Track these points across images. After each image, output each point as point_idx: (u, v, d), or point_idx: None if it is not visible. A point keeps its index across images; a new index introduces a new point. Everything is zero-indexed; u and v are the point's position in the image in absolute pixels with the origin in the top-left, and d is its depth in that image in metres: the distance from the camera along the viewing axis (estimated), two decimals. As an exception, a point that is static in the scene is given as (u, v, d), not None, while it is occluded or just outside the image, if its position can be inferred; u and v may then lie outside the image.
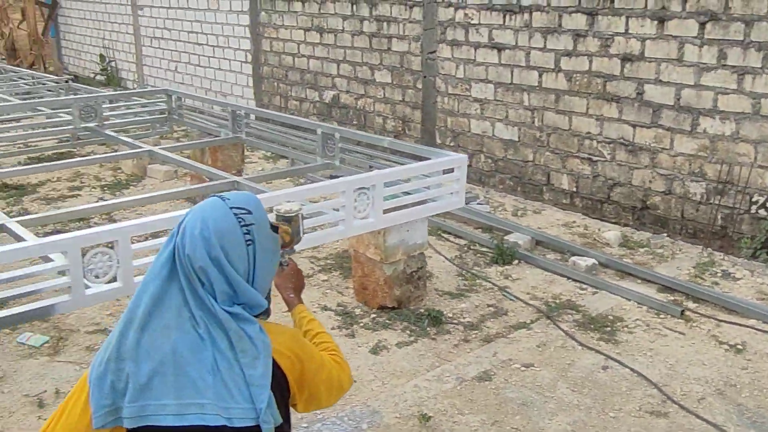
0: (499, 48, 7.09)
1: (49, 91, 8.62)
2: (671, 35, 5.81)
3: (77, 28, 15.19)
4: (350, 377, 1.81)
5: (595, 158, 6.49)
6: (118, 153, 5.47)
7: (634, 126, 6.17)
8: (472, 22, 7.29)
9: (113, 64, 13.92)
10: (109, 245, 2.88)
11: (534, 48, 6.81)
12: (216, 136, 5.53)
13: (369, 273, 4.15)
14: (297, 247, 2.07)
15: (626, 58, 6.12)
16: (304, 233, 2.00)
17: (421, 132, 8.04)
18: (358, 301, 4.36)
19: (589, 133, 6.51)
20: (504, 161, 7.26)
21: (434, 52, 7.75)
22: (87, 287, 2.84)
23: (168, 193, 4.60)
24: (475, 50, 7.33)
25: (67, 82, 8.72)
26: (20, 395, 3.65)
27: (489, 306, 4.38)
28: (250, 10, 10.19)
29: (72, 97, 6.56)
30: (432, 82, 7.86)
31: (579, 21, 6.40)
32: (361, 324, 4.13)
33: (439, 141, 7.84)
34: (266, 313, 1.69)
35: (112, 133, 5.78)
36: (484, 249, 5.28)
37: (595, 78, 6.37)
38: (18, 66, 12.95)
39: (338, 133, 4.63)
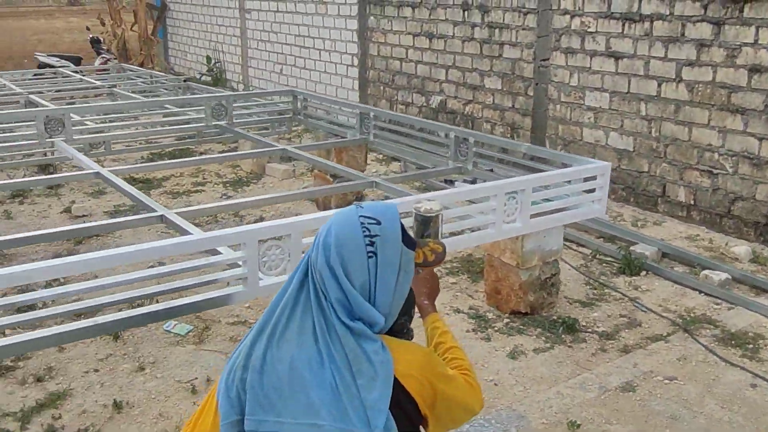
0: (617, 57, 7.04)
1: (167, 90, 8.99)
2: (806, 44, 5.67)
3: (184, 30, 15.76)
4: (481, 401, 1.69)
5: (715, 171, 6.37)
6: (254, 150, 5.69)
7: (760, 139, 6.03)
8: (589, 30, 7.26)
9: (218, 65, 14.36)
10: (281, 239, 3.04)
11: (654, 57, 6.73)
12: (342, 137, 5.70)
13: (503, 277, 4.21)
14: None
15: (754, 69, 6.00)
16: (442, 236, 1.94)
17: (531, 139, 8.04)
18: (489, 305, 4.43)
19: (710, 145, 6.40)
20: (617, 171, 7.19)
21: (547, 59, 7.75)
22: (260, 279, 3.00)
23: (312, 191, 4.80)
24: (591, 58, 7.30)
25: (185, 81, 9.08)
26: (173, 381, 3.85)
27: (622, 316, 4.39)
28: (358, 15, 10.38)
29: (204, 95, 6.85)
30: (544, 89, 7.85)
31: (704, 31, 6.30)
32: (496, 328, 4.20)
33: (549, 149, 7.82)
34: (406, 333, 1.62)
35: (241, 131, 6.02)
36: (608, 259, 5.27)
37: (719, 89, 6.26)
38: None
39: (472, 138, 4.71)
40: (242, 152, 6.53)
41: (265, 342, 1.46)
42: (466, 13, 8.65)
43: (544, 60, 7.80)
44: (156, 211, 3.85)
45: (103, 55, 14.32)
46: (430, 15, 9.18)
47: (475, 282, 4.78)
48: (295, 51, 12.06)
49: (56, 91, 8.63)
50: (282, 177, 7.17)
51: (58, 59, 13.65)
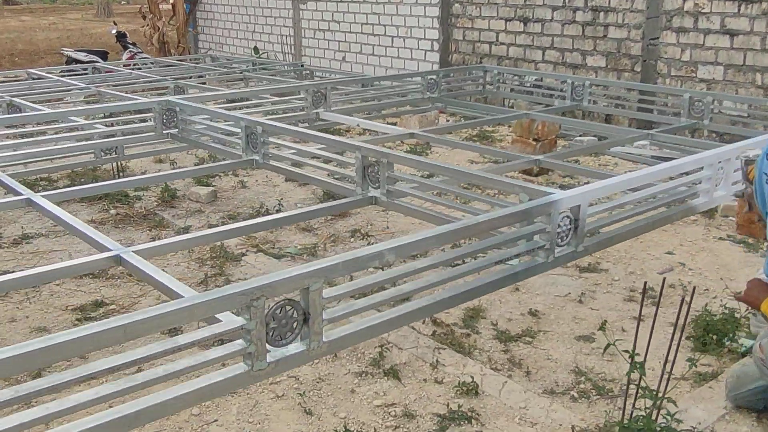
0: (732, 34, 7.94)
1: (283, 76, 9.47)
2: None
3: (219, 22, 16.11)
4: None
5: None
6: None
7: None
8: (703, 11, 8.15)
9: (265, 56, 14.82)
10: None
11: (772, 33, 7.66)
12: (549, 105, 6.42)
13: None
14: None
15: None
16: None
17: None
18: (740, 234, 5.25)
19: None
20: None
21: (657, 38, 8.61)
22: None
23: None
24: (704, 36, 8.19)
25: (302, 66, 9.63)
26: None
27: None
28: (441, 3, 11.07)
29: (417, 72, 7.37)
30: (653, 65, 8.71)
31: (826, 8, 7.25)
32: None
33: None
34: None
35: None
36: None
37: (839, 59, 7.22)
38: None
39: (710, 97, 5.52)
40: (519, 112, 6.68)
41: None
42: (566, -2, 9.45)
43: (653, 38, 8.67)
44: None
45: (131, 49, 14.57)
46: (525, 1, 9.95)
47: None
48: (361, 39, 12.65)
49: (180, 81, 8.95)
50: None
51: (85, 54, 13.88)
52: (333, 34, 13.22)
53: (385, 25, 12.14)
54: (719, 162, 3.63)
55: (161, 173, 4.90)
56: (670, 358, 2.93)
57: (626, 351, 2.90)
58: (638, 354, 2.86)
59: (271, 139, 4.35)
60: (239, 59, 10.97)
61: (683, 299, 2.92)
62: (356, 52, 12.82)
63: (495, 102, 9.27)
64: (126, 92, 7.33)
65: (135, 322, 1.84)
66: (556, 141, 6.91)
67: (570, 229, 2.94)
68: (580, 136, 7.29)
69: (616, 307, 4.36)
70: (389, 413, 3.29)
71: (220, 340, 2.02)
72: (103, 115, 5.75)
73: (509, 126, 7.48)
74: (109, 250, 2.89)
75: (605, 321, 3.43)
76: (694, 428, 2.99)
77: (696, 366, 3.10)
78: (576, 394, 3.44)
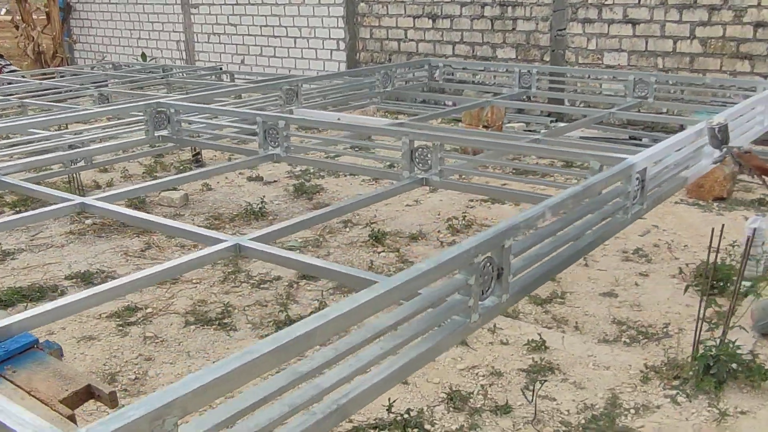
0: (634, 23, 8.76)
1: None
2: (802, 4, 7.69)
3: (98, 30, 15.51)
4: None
5: (728, 106, 8.28)
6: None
7: (765, 77, 7.99)
8: (606, 3, 8.92)
9: (153, 62, 14.44)
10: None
11: (669, 21, 8.52)
12: (498, 94, 6.83)
13: (708, 174, 5.67)
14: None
15: (759, 25, 7.95)
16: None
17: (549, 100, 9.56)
18: (690, 197, 5.89)
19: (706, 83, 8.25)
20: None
21: (564, 29, 9.32)
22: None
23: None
24: (609, 26, 8.96)
25: (220, 69, 9.58)
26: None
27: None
28: (345, 2, 11.32)
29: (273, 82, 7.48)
30: (562, 54, 9.42)
31: (715, -2, 8.18)
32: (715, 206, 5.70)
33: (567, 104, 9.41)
34: None
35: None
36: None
37: (728, 42, 8.17)
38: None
39: (654, 77, 6.14)
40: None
41: None
42: (474, -6, 9.99)
43: (560, 30, 9.36)
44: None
45: (-1, 62, 13.86)
46: (433, -2, 10.40)
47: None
48: (261, 41, 12.67)
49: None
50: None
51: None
52: (229, 37, 13.14)
53: (286, 26, 12.23)
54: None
55: (194, 172, 4.83)
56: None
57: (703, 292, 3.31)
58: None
59: (294, 132, 4.45)
60: (143, 67, 10.68)
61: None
62: (256, 55, 12.82)
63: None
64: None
65: (390, 290, 1.98)
66: (502, 126, 7.37)
67: (639, 189, 3.32)
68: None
69: (618, 266, 4.82)
70: (476, 374, 3.54)
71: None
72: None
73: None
74: (224, 240, 2.95)
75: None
76: (749, 352, 3.46)
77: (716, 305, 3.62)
78: (627, 340, 3.84)
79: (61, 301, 2.41)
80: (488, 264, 2.34)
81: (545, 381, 3.37)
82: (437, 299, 2.18)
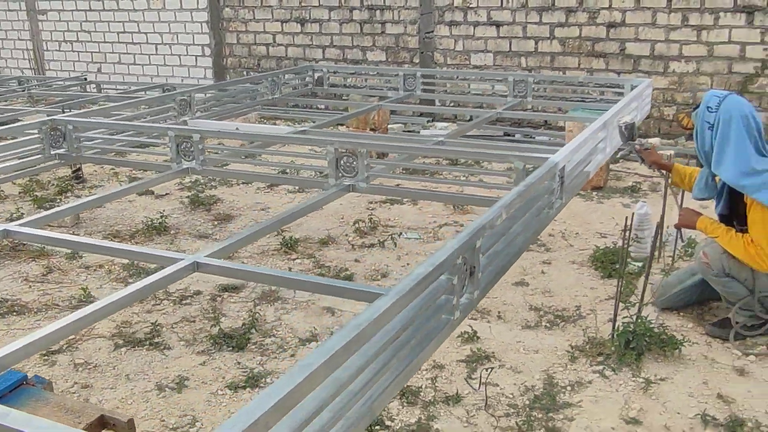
0: (498, 24, 9.27)
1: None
2: (646, 7, 8.45)
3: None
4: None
5: (587, 101, 8.96)
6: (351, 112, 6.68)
7: (618, 73, 8.73)
8: (471, 5, 9.38)
9: (-4, 72, 13.58)
10: None
11: (530, 23, 9.09)
12: (386, 98, 7.00)
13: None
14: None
15: (611, 26, 8.66)
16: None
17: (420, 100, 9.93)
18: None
19: (581, 82, 8.95)
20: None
21: (431, 31, 9.70)
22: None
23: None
24: (474, 27, 9.43)
25: (85, 79, 9.21)
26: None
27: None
28: (209, 7, 11.17)
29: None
30: (430, 56, 9.79)
31: (570, 1, 8.81)
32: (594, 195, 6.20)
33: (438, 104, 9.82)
34: None
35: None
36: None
37: (585, 41, 8.84)
38: None
39: (531, 78, 6.54)
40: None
41: None
42: (342, -1, 10.17)
43: (428, 32, 9.73)
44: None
45: None
46: (300, 2, 10.48)
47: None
48: (119, 48, 12.24)
49: None
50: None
51: None
52: (83, 44, 12.58)
53: (146, 33, 11.89)
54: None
55: (122, 188, 4.59)
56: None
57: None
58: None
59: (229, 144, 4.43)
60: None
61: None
62: (114, 63, 12.37)
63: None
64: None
65: (405, 295, 2.11)
66: (387, 128, 7.59)
67: (560, 185, 3.61)
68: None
69: (522, 257, 5.13)
70: (420, 369, 3.71)
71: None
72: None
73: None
74: (181, 259, 2.95)
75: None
76: (660, 325, 3.85)
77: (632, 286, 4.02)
78: (547, 324, 4.15)
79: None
80: (464, 264, 2.51)
81: (492, 368, 3.59)
82: (429, 301, 2.33)
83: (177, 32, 11.56)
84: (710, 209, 4.10)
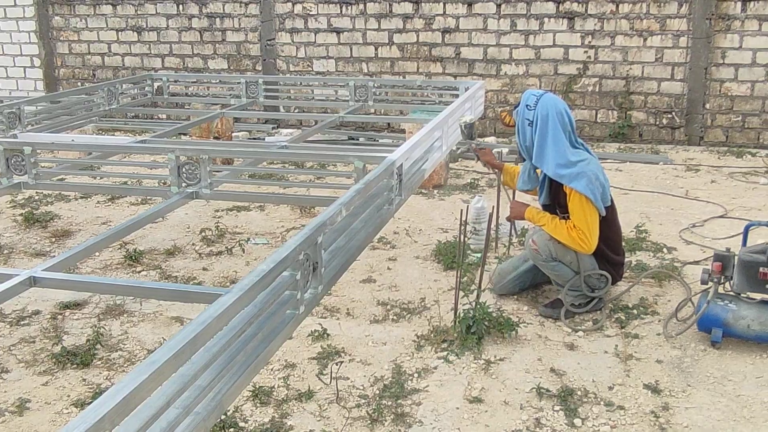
0: (338, 31, 9.46)
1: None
2: (477, 13, 8.92)
3: None
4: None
5: (426, 104, 9.33)
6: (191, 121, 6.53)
7: (455, 76, 9.16)
8: (311, 13, 9.51)
9: None
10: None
11: (369, 29, 9.35)
12: (228, 105, 6.92)
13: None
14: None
15: (446, 31, 9.08)
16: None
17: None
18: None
19: (420, 86, 9.31)
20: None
21: (273, 39, 9.75)
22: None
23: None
24: (315, 34, 9.57)
25: None
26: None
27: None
28: (37, 16, 10.64)
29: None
30: (273, 63, 9.84)
31: (406, 8, 9.15)
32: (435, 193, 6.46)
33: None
34: None
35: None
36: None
37: (422, 47, 9.20)
38: None
39: (372, 82, 6.71)
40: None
41: None
42: (180, 6, 10.00)
43: (269, 40, 9.77)
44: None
45: None
46: (137, 11, 10.21)
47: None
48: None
49: None
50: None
51: None
52: None
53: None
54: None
55: None
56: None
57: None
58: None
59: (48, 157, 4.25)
60: None
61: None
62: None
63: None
64: None
65: (246, 292, 2.17)
66: (232, 136, 7.56)
67: (398, 182, 3.79)
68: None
69: (369, 255, 5.31)
70: (272, 370, 3.76)
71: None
72: None
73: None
74: (15, 275, 2.85)
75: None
76: (497, 310, 4.11)
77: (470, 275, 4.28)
78: (394, 317, 4.31)
79: None
80: (307, 260, 2.60)
81: (342, 362, 3.70)
82: (273, 297, 2.40)
83: (2, 42, 10.92)
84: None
